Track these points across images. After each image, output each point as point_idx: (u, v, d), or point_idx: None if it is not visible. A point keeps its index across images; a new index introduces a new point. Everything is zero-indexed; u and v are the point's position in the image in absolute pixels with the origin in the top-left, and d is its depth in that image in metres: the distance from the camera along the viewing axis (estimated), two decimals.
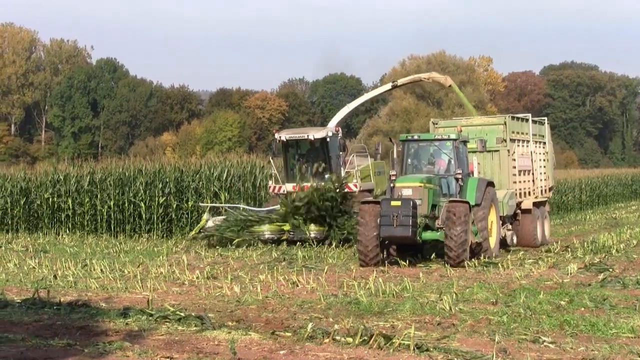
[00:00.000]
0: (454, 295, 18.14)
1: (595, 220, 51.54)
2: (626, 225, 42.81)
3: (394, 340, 12.96)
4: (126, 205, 40.00)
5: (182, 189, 39.55)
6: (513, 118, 32.02)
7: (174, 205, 38.95)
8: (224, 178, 39.53)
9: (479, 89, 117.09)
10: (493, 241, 27.20)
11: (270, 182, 35.40)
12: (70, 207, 41.74)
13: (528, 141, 32.83)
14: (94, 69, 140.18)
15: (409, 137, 27.22)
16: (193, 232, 34.77)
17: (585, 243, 31.29)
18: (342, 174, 33.87)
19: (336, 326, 14.55)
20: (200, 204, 37.64)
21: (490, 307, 17.01)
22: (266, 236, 32.20)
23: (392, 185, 25.71)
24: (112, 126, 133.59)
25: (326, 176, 33.32)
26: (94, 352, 12.81)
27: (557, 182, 70.44)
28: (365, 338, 13.25)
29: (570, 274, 22.41)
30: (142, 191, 39.79)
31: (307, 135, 34.27)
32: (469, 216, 24.92)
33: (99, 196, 40.80)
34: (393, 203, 24.41)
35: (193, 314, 15.94)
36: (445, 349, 12.59)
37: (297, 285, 20.66)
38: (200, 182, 39.49)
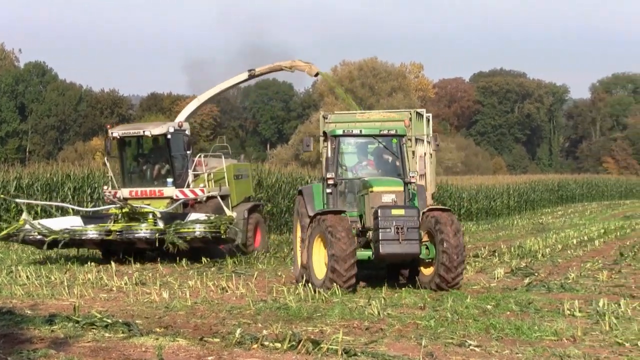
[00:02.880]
0: (383, 300, 18.23)
1: (523, 225, 52.18)
2: (552, 230, 43.47)
3: (322, 345, 12.95)
4: (54, 210, 39.56)
5: None
6: (417, 114, 28.63)
7: None
8: None
9: (409, 95, 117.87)
10: None
11: (105, 187, 31.46)
12: None
13: (423, 140, 29.48)
14: (22, 72, 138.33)
15: (346, 132, 22.09)
16: (5, 232, 29.75)
17: (512, 248, 31.69)
18: (190, 177, 30.00)
19: (265, 331, 14.53)
20: (17, 200, 35.25)
21: (418, 311, 17.11)
22: (90, 236, 28.27)
23: (363, 191, 20.92)
24: (41, 130, 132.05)
25: (168, 180, 29.91)
26: None
27: (486, 188, 71.34)
28: (294, 343, 13.23)
29: (497, 278, 22.67)
30: (70, 196, 39.39)
31: (144, 132, 29.84)
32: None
33: (38, 200, 40.28)
34: (395, 212, 19.93)
35: (120, 320, 15.77)
36: (373, 353, 12.61)
37: (227, 291, 20.62)
38: None
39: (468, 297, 18.50)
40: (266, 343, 13.47)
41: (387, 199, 20.37)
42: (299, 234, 22.54)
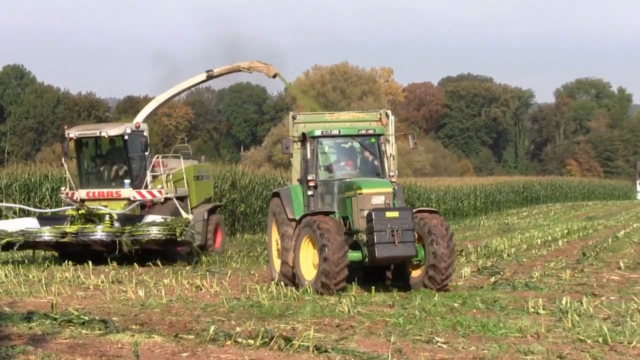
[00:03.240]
0: (353, 298, 18.26)
1: (489, 225, 52.35)
2: (517, 231, 43.61)
3: (293, 342, 12.97)
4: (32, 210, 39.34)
5: None
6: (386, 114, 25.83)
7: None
8: None
9: (379, 99, 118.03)
10: None
11: (63, 188, 30.39)
12: None
13: (389, 141, 26.93)
14: (1, 75, 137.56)
15: (325, 132, 21.31)
16: None
17: (479, 247, 31.80)
18: (148, 178, 29.03)
19: (238, 329, 14.55)
20: None
21: (387, 309, 17.15)
22: (44, 238, 27.35)
23: (349, 192, 20.19)
24: (19, 132, 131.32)
25: (126, 181, 29.02)
26: None
27: (454, 189, 71.55)
28: (266, 340, 13.23)
29: (464, 277, 22.75)
30: (48, 197, 39.18)
31: (100, 132, 28.92)
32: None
33: (4, 201, 40.02)
34: (389, 214, 19.21)
35: (97, 317, 15.72)
36: (343, 349, 12.64)
37: (201, 289, 20.59)
38: None
39: (436, 295, 18.55)
40: (239, 340, 13.47)
41: (377, 200, 19.75)
42: (274, 235, 22.13)
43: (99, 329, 14.77)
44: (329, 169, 21.34)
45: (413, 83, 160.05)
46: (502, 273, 23.26)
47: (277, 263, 21.95)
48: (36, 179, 40.54)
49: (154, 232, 26.37)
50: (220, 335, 13.82)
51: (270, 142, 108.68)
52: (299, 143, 21.99)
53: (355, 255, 19.83)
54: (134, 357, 12.25)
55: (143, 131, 29.52)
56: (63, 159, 30.94)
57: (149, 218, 27.13)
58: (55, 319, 15.59)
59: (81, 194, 28.88)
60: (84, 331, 14.71)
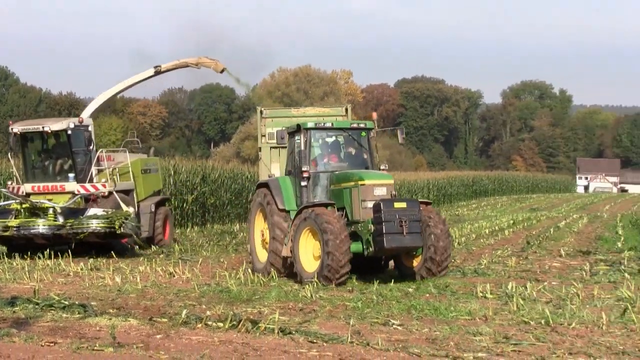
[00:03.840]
0: (315, 284, 18.24)
1: None
2: (467, 221, 43.81)
3: (260, 325, 12.96)
4: None
5: None
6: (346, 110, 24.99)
7: None
8: None
9: (340, 99, 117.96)
10: None
11: (9, 182, 28.46)
12: None
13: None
14: None
15: (318, 125, 20.44)
16: None
17: None
18: (93, 172, 27.46)
19: (208, 312, 14.54)
20: None
21: (347, 294, 17.18)
22: None
23: (348, 184, 19.29)
24: (3, 130, 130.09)
25: (70, 175, 27.41)
26: None
27: (409, 183, 71.75)
28: (235, 323, 13.22)
29: None
30: None
31: (43, 127, 27.24)
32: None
33: None
34: (397, 205, 18.33)
35: (77, 302, 15.67)
36: (306, 332, 12.65)
37: (174, 276, 20.53)
38: None
39: (392, 281, 18.58)
40: (210, 323, 13.46)
41: (380, 192, 18.90)
42: (258, 225, 21.27)
43: (79, 313, 14.70)
44: (314, 162, 20.21)
45: (371, 84, 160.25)
46: (453, 260, 23.35)
47: (260, 253, 21.11)
48: None
49: (94, 225, 25.08)
50: (192, 318, 13.80)
51: (238, 139, 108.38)
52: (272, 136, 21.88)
53: (354, 247, 18.67)
54: (111, 339, 12.19)
55: (88, 126, 28.18)
56: (9, 154, 29.59)
57: (91, 211, 25.87)
58: (37, 304, 15.51)
59: (26, 188, 27.37)
60: (64, 315, 14.64)
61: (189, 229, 39.04)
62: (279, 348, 11.54)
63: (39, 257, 23.27)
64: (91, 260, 23.92)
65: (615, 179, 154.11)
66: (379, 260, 20.44)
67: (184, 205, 41.26)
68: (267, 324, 12.95)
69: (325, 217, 18.35)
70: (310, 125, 20.17)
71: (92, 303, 15.78)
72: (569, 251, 26.32)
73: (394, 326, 13.31)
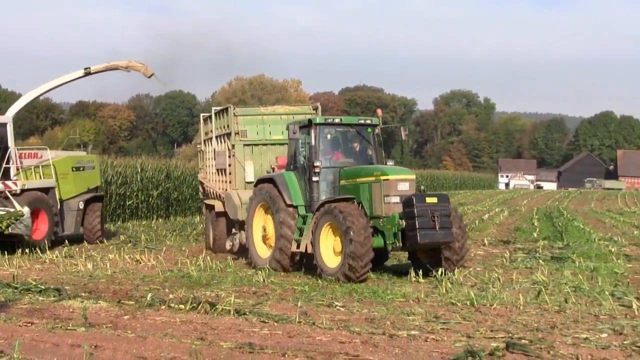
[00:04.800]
0: (267, 270, 18.22)
1: None
2: None
3: (217, 307, 12.94)
4: None
5: None
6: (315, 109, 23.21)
7: None
8: None
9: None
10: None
11: None
12: None
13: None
14: None
15: (328, 120, 18.51)
16: None
17: None
18: (12, 169, 24.15)
19: (171, 295, 14.47)
20: None
21: (295, 279, 17.18)
22: None
23: (368, 178, 17.28)
24: None
25: None
26: None
27: None
28: (195, 305, 13.18)
29: None
30: None
31: None
32: None
33: None
34: (429, 200, 16.65)
35: (52, 286, 15.52)
36: (259, 312, 12.64)
37: (140, 263, 20.38)
38: None
39: None
40: (172, 305, 13.39)
41: (403, 187, 16.97)
42: (258, 222, 19.27)
43: (54, 296, 14.57)
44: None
45: (318, 92, 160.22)
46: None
47: (261, 249, 19.23)
48: None
49: None
50: (156, 301, 13.72)
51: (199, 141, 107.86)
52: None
53: (375, 242, 16.79)
54: (83, 320, 12.11)
55: (6, 124, 24.88)
56: None
57: None
58: (16, 288, 15.34)
59: None
60: (40, 298, 14.50)
61: (154, 221, 38.76)
62: (235, 327, 11.52)
63: (18, 247, 22.91)
64: (65, 248, 23.66)
65: (532, 177, 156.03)
66: (385, 253, 18.33)
67: (150, 199, 41.03)
68: (224, 306, 12.92)
69: (349, 214, 16.42)
70: (320, 120, 18.33)
71: (66, 287, 15.65)
72: (492, 241, 26.53)
73: (337, 307, 13.34)
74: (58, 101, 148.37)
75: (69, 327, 11.57)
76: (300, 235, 17.84)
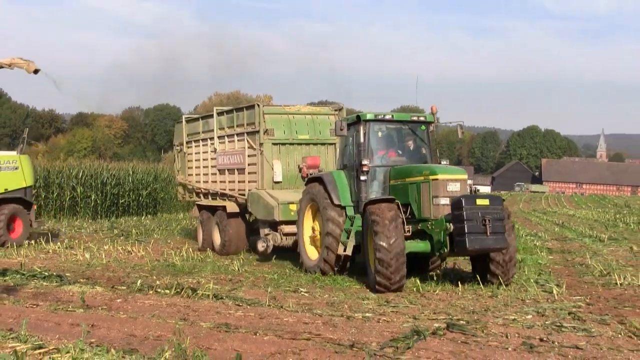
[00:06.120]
0: (242, 260, 18.21)
1: None
2: None
3: (198, 292, 12.93)
4: None
5: (49, 184, 37.89)
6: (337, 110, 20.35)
7: (43, 196, 37.23)
8: (80, 176, 38.22)
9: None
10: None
11: None
12: None
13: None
14: None
15: (379, 117, 15.13)
16: None
17: None
18: None
19: (158, 282, 14.41)
20: None
21: (266, 268, 17.16)
22: None
23: (416, 177, 14.14)
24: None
25: None
26: None
27: None
28: (178, 290, 13.16)
29: None
30: None
31: None
32: None
33: None
34: (480, 202, 13.28)
35: (54, 273, 15.46)
36: (234, 297, 12.62)
37: (131, 253, 20.27)
38: (63, 179, 38.01)
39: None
40: (159, 290, 13.37)
41: (453, 187, 13.86)
42: (308, 222, 16.38)
43: (56, 282, 14.48)
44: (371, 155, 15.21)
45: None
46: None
47: (310, 250, 16.26)
48: None
49: None
50: (145, 286, 13.68)
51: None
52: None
53: (421, 246, 13.90)
54: (81, 302, 12.07)
55: None
56: None
57: None
58: (23, 274, 15.27)
59: None
60: (44, 283, 14.41)
61: (143, 217, 38.53)
62: (213, 310, 11.49)
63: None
64: (66, 240, 23.47)
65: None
66: (427, 259, 15.45)
67: (140, 198, 41.05)
68: (204, 291, 12.91)
69: (378, 217, 13.33)
70: (369, 117, 15.10)
71: (67, 274, 15.57)
72: None
73: (302, 293, 13.34)
74: (61, 112, 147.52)
75: (69, 309, 11.51)
76: (348, 237, 14.94)
